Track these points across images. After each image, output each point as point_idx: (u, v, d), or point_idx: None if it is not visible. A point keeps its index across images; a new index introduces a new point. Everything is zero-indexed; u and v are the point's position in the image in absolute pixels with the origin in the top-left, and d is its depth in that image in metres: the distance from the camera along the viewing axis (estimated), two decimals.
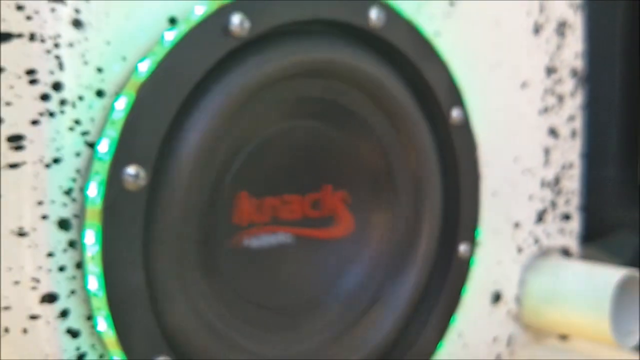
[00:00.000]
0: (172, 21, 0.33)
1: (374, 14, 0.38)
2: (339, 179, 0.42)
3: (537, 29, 0.52)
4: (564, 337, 0.59)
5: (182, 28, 0.32)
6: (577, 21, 0.55)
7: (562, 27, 0.54)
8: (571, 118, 0.56)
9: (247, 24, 0.33)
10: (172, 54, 0.31)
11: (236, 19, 0.33)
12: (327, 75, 0.38)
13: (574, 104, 0.56)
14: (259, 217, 0.39)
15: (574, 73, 0.56)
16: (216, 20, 0.32)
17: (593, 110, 0.98)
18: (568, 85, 0.55)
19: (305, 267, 0.41)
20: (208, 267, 0.35)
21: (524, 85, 0.52)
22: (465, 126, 0.45)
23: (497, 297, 0.53)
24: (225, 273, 0.37)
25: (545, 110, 0.54)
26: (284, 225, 0.40)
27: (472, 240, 0.47)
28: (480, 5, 0.47)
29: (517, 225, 0.53)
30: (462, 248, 0.47)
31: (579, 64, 0.56)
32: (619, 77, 1.02)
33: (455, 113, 0.44)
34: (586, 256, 1.02)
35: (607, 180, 1.02)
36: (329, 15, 0.37)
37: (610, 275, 0.51)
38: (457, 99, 0.44)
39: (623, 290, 0.53)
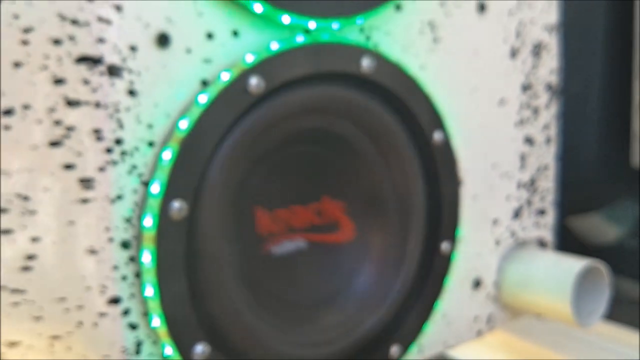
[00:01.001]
0: (204, 83, 0.42)
1: (365, 62, 0.47)
2: (336, 192, 0.52)
3: (513, 53, 0.60)
4: (539, 315, 0.69)
5: (212, 91, 0.41)
6: (552, 42, 0.63)
7: (537, 49, 0.62)
8: (546, 127, 0.65)
9: (262, 84, 0.42)
10: (205, 113, 0.41)
11: (254, 81, 0.42)
12: (327, 113, 0.47)
13: (549, 114, 0.65)
14: (275, 227, 0.49)
15: (548, 87, 0.64)
16: (238, 83, 0.42)
17: (584, 96, 1.07)
18: (543, 98, 0.64)
19: (318, 268, 0.52)
20: (238, 272, 0.46)
21: (501, 102, 0.60)
22: (446, 146, 0.54)
23: (477, 283, 0.62)
24: (255, 276, 0.47)
25: (522, 122, 0.63)
26: (297, 233, 0.51)
27: (453, 239, 0.57)
28: (461, 39, 0.56)
29: (495, 221, 0.63)
30: (444, 246, 0.56)
31: (554, 78, 0.65)
32: (608, 65, 1.10)
33: (437, 135, 0.53)
34: (590, 224, 1.13)
35: (600, 158, 1.12)
36: (328, 68, 0.46)
37: (574, 265, 0.61)
38: (438, 123, 0.53)
39: (586, 276, 0.62)
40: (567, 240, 1.11)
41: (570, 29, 1.03)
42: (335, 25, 0.46)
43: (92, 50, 0.38)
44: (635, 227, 1.16)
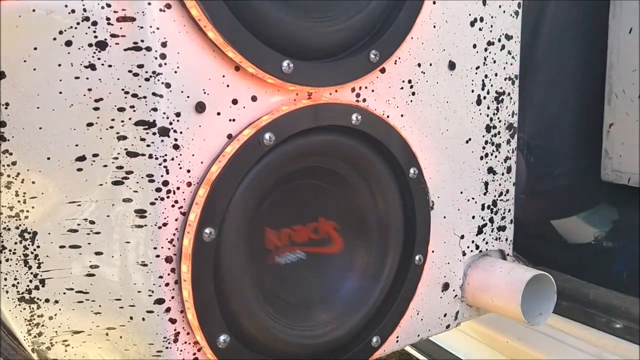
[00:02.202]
0: (230, 137, 0.53)
1: (354, 116, 0.58)
2: (330, 215, 0.63)
3: (479, 101, 0.71)
4: (497, 313, 0.80)
5: (235, 144, 0.52)
6: (514, 89, 0.74)
7: (500, 96, 0.73)
8: (507, 159, 0.76)
9: (273, 138, 0.53)
10: (230, 161, 0.52)
11: (267, 136, 0.53)
12: (324, 156, 0.58)
13: (509, 148, 0.76)
14: (280, 242, 0.60)
15: (509, 127, 0.75)
16: (255, 138, 0.53)
17: (563, 118, 1.19)
18: (504, 136, 0.75)
19: (315, 274, 0.63)
20: (255, 278, 0.57)
21: (468, 141, 0.71)
22: (419, 179, 0.65)
23: (446, 286, 0.74)
24: (267, 281, 0.59)
25: (486, 155, 0.73)
26: (297, 246, 0.62)
27: (424, 252, 0.68)
28: (434, 92, 0.67)
29: (462, 237, 0.74)
30: (417, 258, 0.67)
31: (514, 119, 0.75)
32: (582, 93, 1.22)
33: (412, 171, 0.64)
34: (572, 225, 1.26)
35: (576, 172, 1.25)
36: (325, 123, 0.57)
37: (525, 274, 0.72)
38: (413, 161, 0.64)
39: (537, 283, 0.73)
40: (549, 242, 1.23)
41: (553, 61, 1.15)
42: (331, 89, 0.57)
43: (147, 117, 0.49)
44: (609, 229, 1.28)
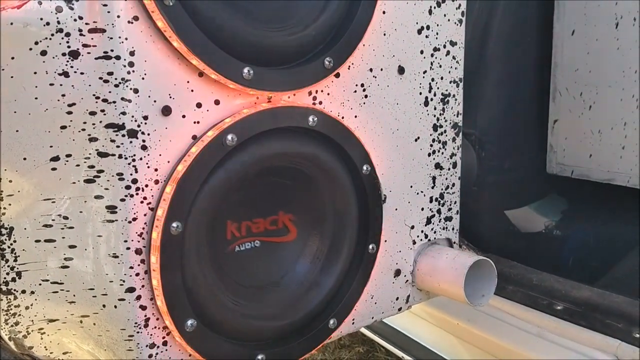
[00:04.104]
0: (194, 138, 0.56)
1: (311, 118, 0.62)
2: (290, 208, 0.66)
3: (426, 102, 0.75)
4: (444, 296, 0.85)
5: (200, 144, 0.55)
6: (458, 92, 0.79)
7: (446, 98, 0.77)
8: (453, 155, 0.80)
9: (235, 138, 0.57)
10: (195, 160, 0.55)
11: (229, 137, 0.56)
12: (283, 155, 0.62)
13: (455, 145, 0.80)
14: (238, 233, 0.63)
15: (455, 126, 0.79)
16: (218, 138, 0.56)
17: (512, 114, 1.25)
18: (450, 134, 0.79)
19: (271, 260, 0.66)
20: (215, 266, 0.60)
21: (417, 139, 0.75)
22: (372, 175, 0.69)
23: (397, 272, 0.78)
24: (225, 268, 0.62)
25: (433, 152, 0.78)
26: (254, 236, 0.65)
27: (377, 242, 0.72)
28: (385, 94, 0.70)
29: (412, 227, 0.78)
30: (371, 247, 0.72)
31: (459, 119, 0.80)
32: (527, 85, 1.28)
33: (365, 168, 0.68)
34: (525, 215, 1.32)
35: (524, 165, 1.31)
36: (284, 124, 0.60)
37: (467, 260, 0.77)
38: (366, 159, 0.68)
39: (479, 267, 0.78)
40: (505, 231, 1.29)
41: (502, 61, 1.20)
42: (289, 93, 0.61)
43: (117, 120, 0.52)
44: (558, 219, 1.35)
